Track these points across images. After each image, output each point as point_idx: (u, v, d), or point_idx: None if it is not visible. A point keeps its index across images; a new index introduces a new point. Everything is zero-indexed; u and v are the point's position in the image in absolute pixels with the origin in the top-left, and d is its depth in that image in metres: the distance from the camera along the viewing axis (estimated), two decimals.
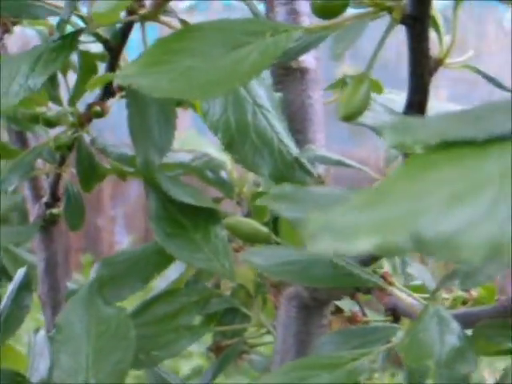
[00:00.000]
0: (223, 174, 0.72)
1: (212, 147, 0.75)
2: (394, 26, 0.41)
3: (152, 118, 0.58)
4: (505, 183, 0.23)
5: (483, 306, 0.47)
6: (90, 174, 0.68)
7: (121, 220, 3.56)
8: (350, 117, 0.39)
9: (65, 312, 0.55)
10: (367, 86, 0.40)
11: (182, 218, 0.64)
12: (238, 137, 0.51)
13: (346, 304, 0.57)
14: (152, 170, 0.59)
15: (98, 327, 0.55)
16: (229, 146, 0.51)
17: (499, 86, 0.43)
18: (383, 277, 0.48)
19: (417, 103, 0.44)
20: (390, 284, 0.48)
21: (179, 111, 0.77)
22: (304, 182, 0.50)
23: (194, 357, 2.46)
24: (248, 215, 0.70)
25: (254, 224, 0.55)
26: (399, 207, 0.24)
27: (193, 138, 0.80)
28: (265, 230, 0.55)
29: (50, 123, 0.65)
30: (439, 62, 0.44)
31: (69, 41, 0.54)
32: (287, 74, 0.57)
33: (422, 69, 0.43)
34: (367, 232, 0.22)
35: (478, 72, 0.44)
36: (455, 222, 0.23)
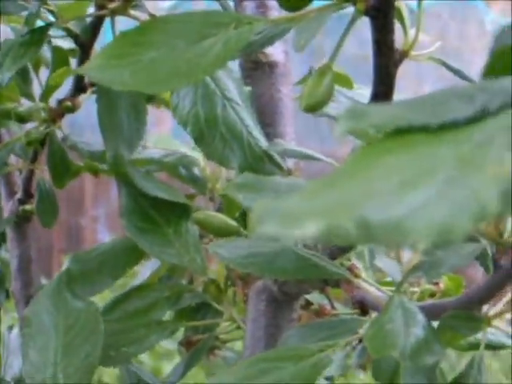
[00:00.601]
0: (196, 170, 0.72)
1: (184, 147, 0.75)
2: (358, 18, 0.41)
3: (122, 113, 0.58)
4: (462, 167, 0.23)
5: (449, 298, 0.47)
6: (62, 170, 0.68)
7: (103, 220, 3.55)
8: (313, 107, 0.39)
9: (33, 305, 0.55)
10: (330, 78, 0.40)
11: (154, 212, 0.64)
12: (208, 130, 0.51)
13: (316, 298, 0.57)
14: (121, 165, 0.58)
15: (67, 321, 0.54)
16: (198, 140, 0.51)
17: (464, 78, 0.43)
18: (350, 269, 0.48)
19: (382, 94, 0.44)
20: (357, 276, 0.48)
21: (160, 114, 0.78)
22: (273, 175, 0.50)
23: (175, 356, 2.46)
24: (220, 210, 0.70)
25: (223, 218, 0.55)
26: (348, 193, 0.24)
27: (165, 140, 0.79)
28: (234, 223, 0.55)
29: (22, 119, 0.65)
30: (404, 54, 0.44)
31: (37, 36, 0.53)
32: (256, 68, 0.57)
33: (386, 60, 0.43)
34: (313, 216, 0.22)
35: (443, 64, 0.44)
36: (404, 206, 0.22)
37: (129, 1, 0.56)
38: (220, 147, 0.51)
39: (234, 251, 0.45)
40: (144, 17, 0.58)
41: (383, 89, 0.44)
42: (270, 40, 0.42)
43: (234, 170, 0.51)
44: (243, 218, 0.57)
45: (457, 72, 0.44)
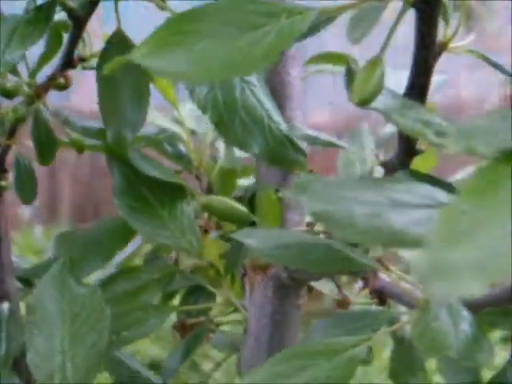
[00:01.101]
0: (181, 147, 0.71)
1: (164, 120, 0.73)
2: (407, 10, 0.40)
3: (125, 94, 0.56)
4: None
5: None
6: (48, 146, 0.65)
7: None
8: (366, 101, 0.38)
9: (37, 292, 0.53)
10: (381, 70, 0.39)
11: (148, 193, 0.62)
12: (227, 114, 0.49)
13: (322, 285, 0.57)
14: (124, 145, 0.57)
15: (72, 308, 0.53)
16: (218, 125, 0.50)
17: (504, 71, 0.43)
18: (379, 261, 0.47)
19: (419, 85, 0.44)
20: (387, 269, 0.47)
21: None
22: (297, 161, 0.49)
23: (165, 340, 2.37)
24: (208, 189, 0.69)
25: (231, 203, 0.55)
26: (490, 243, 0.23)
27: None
28: (243, 208, 0.54)
29: (9, 94, 0.62)
30: (443, 47, 0.43)
31: (45, 12, 0.51)
32: None
33: (427, 52, 0.42)
34: (478, 275, 0.22)
35: (482, 57, 0.44)
36: None
37: None
38: (240, 132, 0.50)
39: (264, 242, 0.44)
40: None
41: (421, 80, 0.43)
42: (315, 28, 0.41)
43: (255, 155, 0.50)
44: (250, 202, 0.56)
45: (496, 65, 0.44)
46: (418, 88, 0.44)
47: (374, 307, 0.50)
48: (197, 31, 0.38)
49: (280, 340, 0.56)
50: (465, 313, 0.39)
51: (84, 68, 0.63)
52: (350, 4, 0.39)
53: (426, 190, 0.38)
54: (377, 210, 0.36)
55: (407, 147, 0.46)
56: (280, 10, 0.38)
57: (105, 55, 0.56)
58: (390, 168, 0.47)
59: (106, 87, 0.56)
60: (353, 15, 0.41)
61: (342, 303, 0.53)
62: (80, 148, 0.67)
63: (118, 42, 0.56)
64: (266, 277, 0.52)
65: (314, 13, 0.39)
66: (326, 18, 0.40)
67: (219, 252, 0.63)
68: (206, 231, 0.63)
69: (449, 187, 0.40)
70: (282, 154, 0.50)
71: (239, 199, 0.57)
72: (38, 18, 0.51)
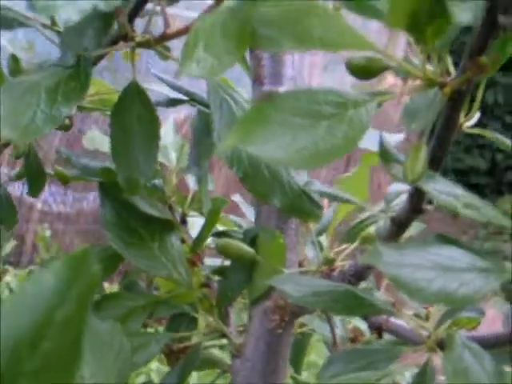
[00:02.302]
0: (157, 181, 0.75)
1: None
2: (443, 101, 0.47)
3: (137, 139, 0.60)
4: None
5: (487, 332, 0.55)
6: (39, 179, 0.69)
7: None
8: (416, 181, 0.46)
9: None
10: (424, 153, 0.46)
11: (138, 227, 0.67)
12: (252, 171, 0.56)
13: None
14: (135, 188, 0.61)
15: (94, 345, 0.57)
16: (243, 179, 0.56)
17: None
18: (393, 304, 0.55)
19: (438, 159, 0.51)
20: (398, 311, 0.55)
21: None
22: (313, 213, 0.56)
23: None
24: (183, 221, 0.74)
25: (241, 245, 0.60)
26: None
27: (98, 137, 0.81)
28: (250, 250, 0.60)
29: None
30: (460, 127, 0.51)
31: (85, 67, 0.55)
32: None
33: (449, 133, 0.50)
34: None
35: (495, 138, 0.52)
36: None
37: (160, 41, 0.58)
38: (263, 186, 0.56)
39: (298, 289, 0.51)
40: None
41: (440, 155, 0.51)
42: None
43: (276, 206, 0.56)
44: (251, 242, 0.62)
45: None
46: (436, 161, 0.51)
47: (387, 345, 0.57)
48: (276, 120, 0.43)
49: (275, 365, 0.63)
50: (487, 356, 0.47)
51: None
52: (388, 96, 0.46)
53: (461, 254, 0.46)
54: (431, 274, 0.43)
55: (416, 207, 0.54)
56: (346, 101, 0.45)
57: (120, 104, 0.60)
58: (397, 223, 0.55)
59: (119, 133, 0.61)
60: (408, 104, 0.47)
61: (354, 339, 0.60)
62: (65, 180, 0.71)
63: (134, 93, 0.60)
64: (286, 315, 0.58)
65: (375, 102, 0.45)
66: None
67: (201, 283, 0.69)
68: (193, 263, 0.68)
69: (473, 250, 0.47)
70: (300, 207, 0.56)
71: (242, 240, 0.62)
72: (79, 73, 0.54)
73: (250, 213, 0.78)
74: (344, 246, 0.70)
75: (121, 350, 0.57)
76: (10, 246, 2.52)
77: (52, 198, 3.96)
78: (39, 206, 3.92)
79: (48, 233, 3.75)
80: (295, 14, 0.47)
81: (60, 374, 0.30)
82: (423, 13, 0.44)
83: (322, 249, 0.71)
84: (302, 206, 0.56)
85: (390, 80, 4.70)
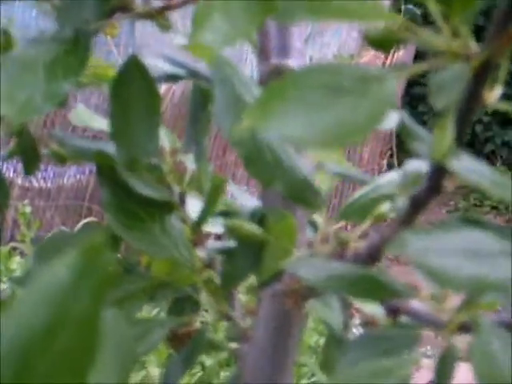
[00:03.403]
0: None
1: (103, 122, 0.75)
2: (468, 76, 0.45)
3: (138, 117, 0.58)
4: None
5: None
6: (33, 157, 0.66)
7: None
8: (445, 156, 0.43)
9: None
10: (450, 130, 0.44)
11: (138, 209, 0.64)
12: (255, 153, 0.53)
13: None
14: (137, 169, 0.59)
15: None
16: (246, 164, 0.53)
17: None
18: (415, 288, 0.52)
19: (460, 136, 0.49)
20: (420, 294, 0.53)
21: None
22: (314, 203, 0.54)
23: None
24: (182, 200, 0.71)
25: (250, 225, 0.58)
26: None
27: (83, 114, 0.78)
28: (260, 231, 0.58)
29: None
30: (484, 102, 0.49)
31: (84, 41, 0.52)
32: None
33: (473, 109, 0.47)
34: None
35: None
36: None
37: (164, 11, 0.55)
38: (265, 171, 0.53)
39: (315, 273, 0.49)
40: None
41: (462, 131, 0.49)
42: None
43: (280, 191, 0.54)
44: (260, 222, 0.60)
45: None
46: (459, 138, 0.49)
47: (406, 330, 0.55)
48: (295, 98, 0.41)
49: (285, 348, 0.60)
50: (509, 336, 0.45)
51: None
52: (413, 69, 0.44)
53: (489, 237, 0.44)
54: (460, 260, 0.41)
55: (436, 185, 0.51)
56: (369, 76, 0.42)
57: (120, 79, 0.58)
58: (415, 203, 0.52)
59: (119, 108, 0.58)
60: (434, 79, 0.45)
61: (370, 323, 0.58)
62: (62, 160, 0.68)
63: (133, 68, 0.57)
64: (298, 300, 0.56)
65: (397, 76, 0.43)
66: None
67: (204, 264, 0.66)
68: (195, 244, 0.66)
69: (501, 230, 0.45)
70: (301, 195, 0.54)
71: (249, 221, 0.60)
72: (77, 47, 0.51)
73: (241, 195, 0.76)
74: (340, 223, 0.68)
75: (122, 340, 0.55)
76: None
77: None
78: (19, 181, 3.89)
79: (28, 209, 3.71)
80: None
81: (73, 374, 0.28)
82: None
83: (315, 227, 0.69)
84: (303, 195, 0.54)
85: (371, 50, 4.67)
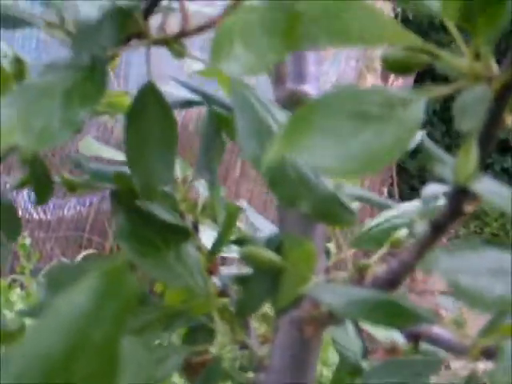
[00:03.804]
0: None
1: (112, 152, 0.75)
2: (490, 100, 0.45)
3: (153, 144, 0.57)
4: None
5: None
6: (46, 186, 0.66)
7: None
8: (468, 180, 0.43)
9: None
10: (474, 153, 0.44)
11: (153, 236, 0.64)
12: (278, 173, 0.52)
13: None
14: (153, 196, 0.58)
15: None
16: (270, 183, 0.52)
17: None
18: (437, 313, 0.52)
19: (482, 159, 0.48)
20: (442, 320, 0.52)
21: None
22: (345, 219, 0.53)
23: None
24: (195, 227, 0.71)
25: (267, 252, 0.57)
26: None
27: (92, 144, 0.78)
28: (277, 258, 0.57)
29: None
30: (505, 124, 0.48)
31: (100, 68, 0.52)
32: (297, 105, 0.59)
33: (495, 131, 0.47)
34: None
35: None
36: None
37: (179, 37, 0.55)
38: (290, 190, 0.53)
39: (335, 298, 0.48)
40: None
41: (484, 154, 0.48)
42: None
43: (306, 211, 0.53)
44: (277, 250, 0.59)
45: None
46: (481, 160, 0.48)
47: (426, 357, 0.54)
48: (322, 127, 0.40)
49: (303, 376, 0.60)
50: None
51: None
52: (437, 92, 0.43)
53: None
54: (491, 280, 0.41)
55: (457, 208, 0.51)
56: (394, 100, 0.42)
57: (136, 106, 0.57)
58: (436, 226, 0.52)
59: (135, 137, 0.58)
60: (457, 104, 0.45)
61: (393, 351, 0.57)
62: (72, 187, 0.68)
63: (149, 95, 0.57)
64: (318, 327, 0.55)
65: (422, 99, 0.43)
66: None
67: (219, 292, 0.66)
68: (210, 273, 0.65)
69: None
70: (331, 212, 0.53)
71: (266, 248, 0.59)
72: (95, 74, 0.51)
73: (257, 220, 0.75)
74: (352, 250, 0.68)
75: (141, 365, 0.54)
76: None
77: (32, 205, 3.91)
78: (19, 213, 3.87)
79: (28, 241, 3.70)
80: (334, 8, 0.44)
81: None
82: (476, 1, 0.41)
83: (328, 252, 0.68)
84: (334, 211, 0.53)
85: (370, 79, 4.69)
